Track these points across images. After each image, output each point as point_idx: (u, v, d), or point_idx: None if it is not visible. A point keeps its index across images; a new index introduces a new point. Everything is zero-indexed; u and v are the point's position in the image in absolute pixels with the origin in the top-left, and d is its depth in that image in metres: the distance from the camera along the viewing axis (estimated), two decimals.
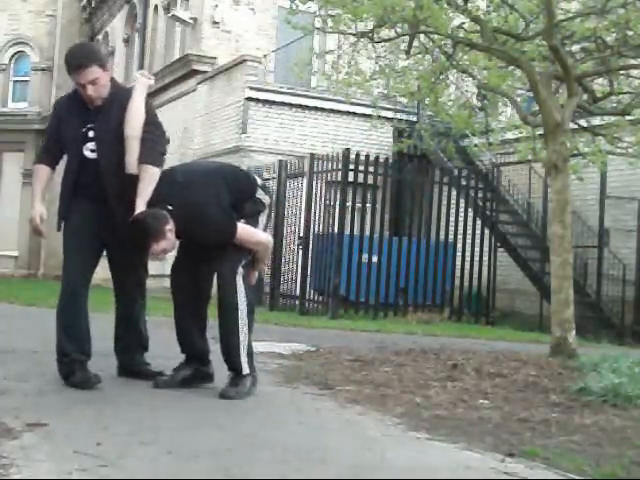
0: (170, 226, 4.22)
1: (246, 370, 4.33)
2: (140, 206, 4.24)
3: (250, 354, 4.38)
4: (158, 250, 4.23)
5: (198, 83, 17.17)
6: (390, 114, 14.60)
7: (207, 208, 4.31)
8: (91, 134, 4.43)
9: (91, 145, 4.43)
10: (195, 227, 4.29)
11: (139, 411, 3.88)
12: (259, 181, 4.64)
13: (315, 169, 13.18)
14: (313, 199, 13.07)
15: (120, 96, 4.48)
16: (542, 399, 4.87)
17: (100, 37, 24.97)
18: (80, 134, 4.43)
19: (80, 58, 4.41)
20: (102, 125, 4.42)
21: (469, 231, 13.68)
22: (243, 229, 4.37)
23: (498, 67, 8.71)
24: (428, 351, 6.89)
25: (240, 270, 4.33)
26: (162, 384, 4.48)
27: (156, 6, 20.33)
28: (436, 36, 8.17)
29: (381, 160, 13.28)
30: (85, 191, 4.44)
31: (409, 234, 13.53)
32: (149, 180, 4.32)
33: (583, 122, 9.83)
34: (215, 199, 4.33)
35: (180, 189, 4.32)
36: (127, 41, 22.83)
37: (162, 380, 4.53)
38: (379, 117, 11.11)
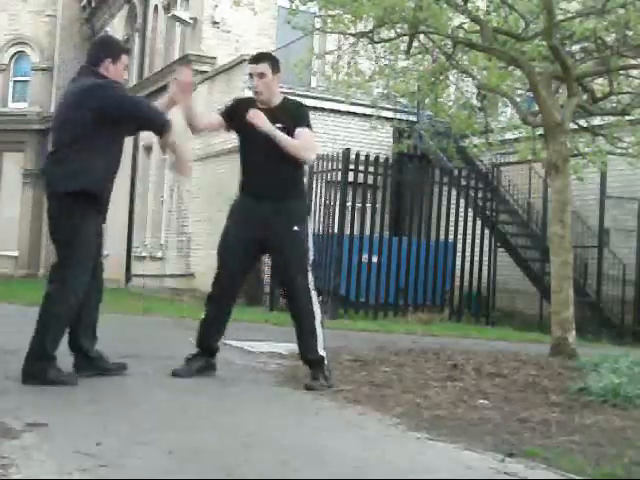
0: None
1: (324, 360, 4.91)
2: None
3: (324, 346, 4.96)
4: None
5: (198, 83, 17.13)
6: (390, 114, 14.59)
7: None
8: None
9: None
10: None
11: (139, 411, 3.88)
12: None
13: (315, 169, 13.17)
14: (313, 199, 13.06)
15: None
16: (542, 399, 4.87)
17: None
18: None
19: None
20: None
21: (469, 231, 13.67)
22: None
23: (498, 67, 8.72)
24: (428, 351, 6.88)
25: (311, 278, 4.92)
26: (182, 373, 4.84)
27: (156, 6, 20.33)
28: (436, 36, 8.17)
29: (381, 160, 13.27)
30: None
31: (409, 234, 13.52)
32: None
33: (583, 122, 9.83)
34: None
35: None
36: (127, 41, 22.80)
37: (182, 369, 4.88)
38: (379, 117, 11.12)
